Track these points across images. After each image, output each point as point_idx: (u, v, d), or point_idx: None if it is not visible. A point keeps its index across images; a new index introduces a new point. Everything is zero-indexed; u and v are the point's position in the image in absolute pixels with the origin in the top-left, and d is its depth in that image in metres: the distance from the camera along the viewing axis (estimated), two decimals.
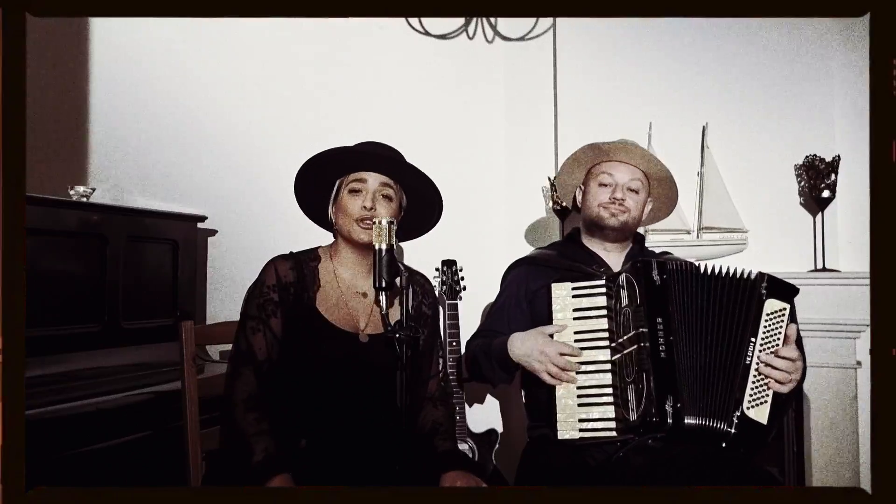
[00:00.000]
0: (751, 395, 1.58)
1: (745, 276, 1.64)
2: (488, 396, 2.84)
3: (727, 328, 1.61)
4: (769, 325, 1.62)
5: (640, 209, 1.87)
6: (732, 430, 1.55)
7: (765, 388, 1.59)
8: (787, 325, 1.62)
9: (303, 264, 1.57)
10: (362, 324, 1.56)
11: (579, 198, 1.97)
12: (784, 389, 1.59)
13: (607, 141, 1.87)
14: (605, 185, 1.85)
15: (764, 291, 1.62)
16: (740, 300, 1.62)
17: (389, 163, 1.56)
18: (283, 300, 1.51)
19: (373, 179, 1.55)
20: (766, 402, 1.59)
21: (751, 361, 1.59)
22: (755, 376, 1.59)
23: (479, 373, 1.84)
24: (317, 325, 1.51)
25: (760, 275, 1.64)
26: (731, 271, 1.65)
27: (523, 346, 1.69)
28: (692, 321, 1.62)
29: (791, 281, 1.68)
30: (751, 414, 1.57)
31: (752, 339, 1.60)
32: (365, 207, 1.52)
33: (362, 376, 1.50)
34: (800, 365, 1.60)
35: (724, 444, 1.56)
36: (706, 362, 1.59)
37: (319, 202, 1.62)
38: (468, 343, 1.92)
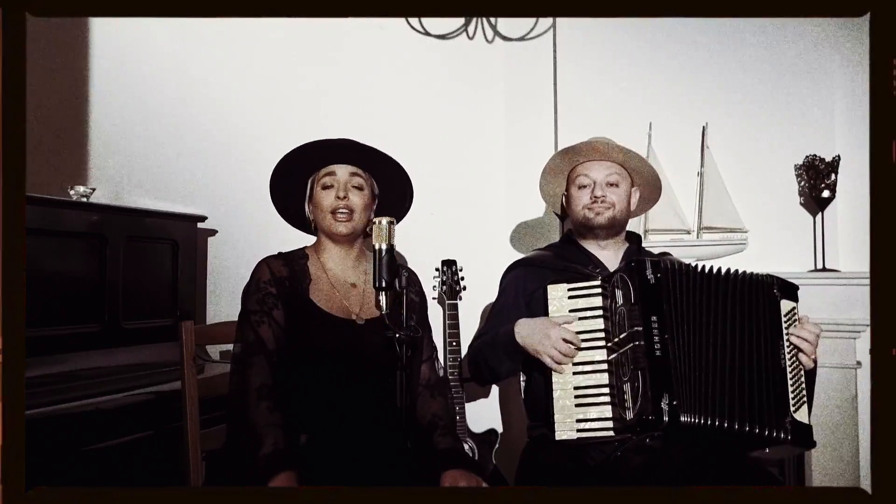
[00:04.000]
0: (793, 398, 1.57)
1: (757, 277, 1.64)
2: (488, 396, 2.84)
3: (744, 329, 1.60)
4: (787, 327, 1.62)
5: (626, 201, 1.88)
6: (789, 437, 1.54)
7: (800, 388, 1.59)
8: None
9: (293, 262, 1.60)
10: (356, 310, 1.59)
11: (566, 205, 1.98)
12: (809, 363, 1.62)
13: (574, 144, 1.87)
14: (584, 187, 1.86)
15: (777, 292, 1.63)
16: (756, 302, 1.62)
17: (355, 152, 1.60)
18: (281, 293, 1.53)
19: (342, 171, 1.60)
20: (804, 401, 1.58)
21: (785, 364, 1.59)
22: (792, 378, 1.59)
23: (483, 368, 1.83)
24: (313, 315, 1.53)
25: (770, 276, 1.64)
26: (741, 272, 1.64)
27: (529, 327, 1.70)
28: (696, 321, 1.60)
29: (791, 281, 1.69)
30: (798, 416, 1.56)
31: (781, 342, 1.60)
32: (338, 198, 1.57)
33: (361, 360, 1.52)
34: (818, 340, 1.64)
35: (766, 450, 1.57)
36: (719, 362, 1.57)
37: (297, 205, 1.66)
38: (469, 346, 1.91)
